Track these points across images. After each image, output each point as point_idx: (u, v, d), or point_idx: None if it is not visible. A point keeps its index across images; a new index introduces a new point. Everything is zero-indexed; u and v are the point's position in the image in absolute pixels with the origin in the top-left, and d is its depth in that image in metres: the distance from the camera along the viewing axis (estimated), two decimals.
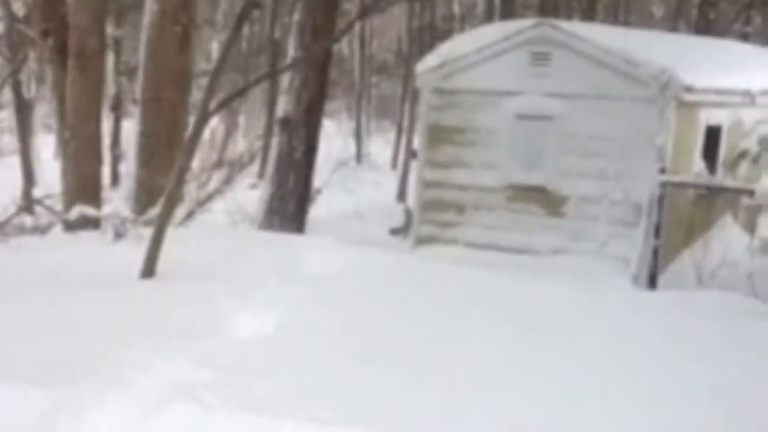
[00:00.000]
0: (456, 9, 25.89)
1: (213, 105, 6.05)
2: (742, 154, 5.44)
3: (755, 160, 5.46)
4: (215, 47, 23.76)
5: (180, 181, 6.03)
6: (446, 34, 24.65)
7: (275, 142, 10.40)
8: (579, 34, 8.60)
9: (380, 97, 32.82)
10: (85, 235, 7.63)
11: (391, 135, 28.03)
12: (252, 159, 10.60)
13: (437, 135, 9.48)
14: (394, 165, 24.19)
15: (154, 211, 9.04)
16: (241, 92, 6.85)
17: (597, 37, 8.57)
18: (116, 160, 18.64)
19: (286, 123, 10.24)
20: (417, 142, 9.93)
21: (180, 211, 9.20)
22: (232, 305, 5.12)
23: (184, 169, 5.95)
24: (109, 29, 18.92)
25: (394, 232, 11.97)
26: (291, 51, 10.38)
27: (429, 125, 9.58)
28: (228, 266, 6.11)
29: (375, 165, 24.08)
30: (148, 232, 6.77)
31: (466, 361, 4.47)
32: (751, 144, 8.91)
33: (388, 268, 6.43)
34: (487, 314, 5.39)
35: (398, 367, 4.32)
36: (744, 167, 8.78)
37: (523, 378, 4.30)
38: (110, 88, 19.18)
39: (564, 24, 9.03)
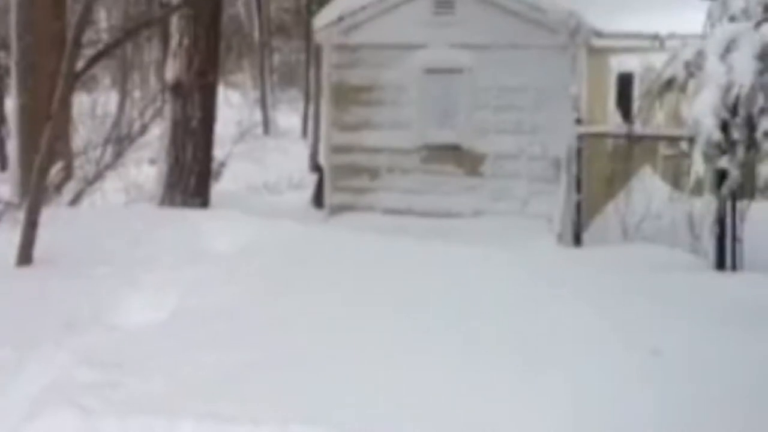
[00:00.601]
0: None
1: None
2: (669, 83, 5.14)
3: (683, 89, 5.17)
4: (102, 15, 22.42)
5: (49, 154, 5.38)
6: None
7: (168, 110, 9.61)
8: None
9: (285, 63, 31.84)
10: None
11: (300, 104, 27.33)
12: (144, 131, 9.75)
13: (342, 95, 8.95)
14: (304, 134, 23.54)
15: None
16: (107, 49, 6.15)
17: None
18: (2, 142, 17.35)
19: (177, 89, 9.44)
20: (322, 104, 9.40)
21: (68, 191, 8.48)
22: (119, 291, 4.55)
23: (52, 139, 5.27)
24: None
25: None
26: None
27: (333, 85, 9.04)
28: (117, 248, 5.49)
29: (284, 134, 23.35)
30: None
31: (373, 341, 4.01)
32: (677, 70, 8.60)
33: (294, 242, 5.92)
34: (397, 288, 4.92)
35: (306, 351, 3.86)
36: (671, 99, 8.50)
37: (433, 351, 3.90)
38: None
39: None
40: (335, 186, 9.12)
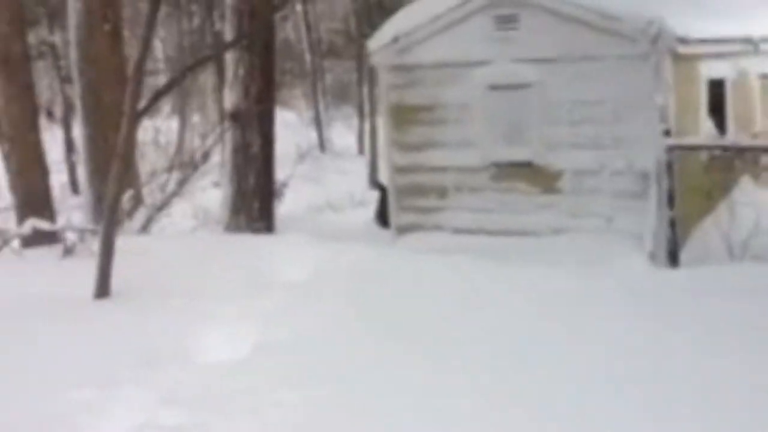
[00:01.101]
0: None
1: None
2: None
3: None
4: (158, 45, 22.85)
5: (119, 188, 5.35)
6: (397, 7, 23.96)
7: (228, 138, 9.64)
8: None
9: (337, 82, 32.00)
10: (32, 253, 6.92)
11: (354, 121, 27.35)
12: (206, 157, 9.80)
13: (402, 115, 8.80)
14: (360, 150, 23.55)
15: None
16: (168, 87, 6.13)
17: None
18: (73, 168, 17.85)
19: (236, 117, 9.51)
20: (382, 125, 9.27)
21: (138, 218, 8.55)
22: (198, 325, 4.46)
23: (121, 173, 5.26)
24: (44, 34, 18.02)
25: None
26: (228, 38, 9.63)
27: (391, 106, 8.90)
28: (191, 278, 5.44)
29: (339, 152, 23.36)
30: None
31: (465, 380, 3.78)
32: None
33: (368, 267, 5.79)
34: (489, 318, 4.73)
35: (398, 385, 3.69)
36: None
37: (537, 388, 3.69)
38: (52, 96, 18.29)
39: None
40: (401, 206, 8.97)
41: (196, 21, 22.42)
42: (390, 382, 3.72)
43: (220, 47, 8.86)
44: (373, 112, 18.89)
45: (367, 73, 23.58)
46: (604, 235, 7.76)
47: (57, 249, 6.93)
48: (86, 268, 5.47)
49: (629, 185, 7.71)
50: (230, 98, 9.47)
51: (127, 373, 3.79)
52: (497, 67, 8.22)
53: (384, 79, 8.86)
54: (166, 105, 25.88)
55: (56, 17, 17.50)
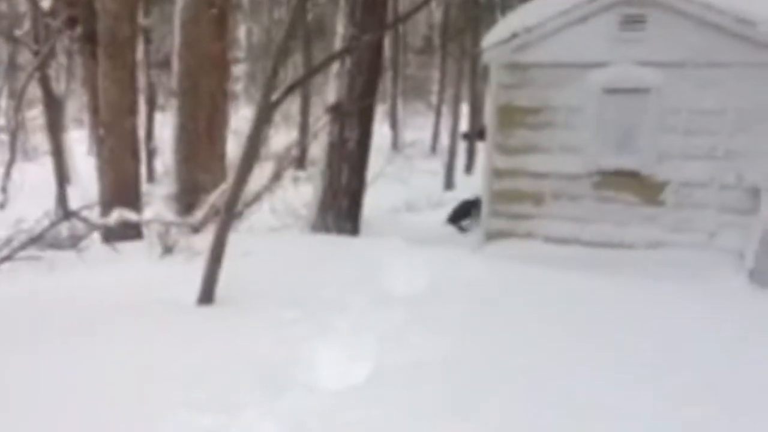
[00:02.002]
0: None
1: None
2: None
3: None
4: (242, 33, 22.82)
5: (241, 189, 5.04)
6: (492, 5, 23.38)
7: (326, 132, 9.33)
8: None
9: (411, 78, 31.59)
10: (128, 249, 6.67)
11: (425, 119, 26.91)
12: (304, 151, 9.50)
13: (509, 117, 8.36)
14: (433, 149, 23.13)
15: (200, 214, 8.16)
16: (301, 81, 5.77)
17: None
18: (151, 155, 17.82)
19: (338, 111, 9.18)
20: (487, 126, 8.82)
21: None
22: (314, 341, 4.13)
23: (244, 176, 4.94)
24: (138, 18, 18.02)
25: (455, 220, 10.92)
26: (340, 29, 9.28)
27: (499, 106, 8.45)
28: (298, 285, 5.12)
29: (415, 151, 22.99)
30: (198, 243, 5.81)
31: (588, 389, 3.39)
32: None
33: (482, 278, 5.40)
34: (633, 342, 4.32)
35: (540, 411, 3.29)
36: None
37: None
38: (141, 81, 18.35)
39: None
40: (493, 211, 8.54)
41: (287, 10, 22.28)
42: (520, 420, 3.32)
43: (345, 46, 8.49)
44: (455, 112, 18.45)
45: (448, 73, 23.27)
46: (705, 251, 7.28)
47: (150, 244, 6.67)
48: (186, 269, 5.21)
49: (737, 200, 7.20)
50: (334, 91, 9.16)
51: (246, 397, 3.48)
52: (616, 69, 7.72)
53: (495, 77, 8.42)
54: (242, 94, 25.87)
55: (153, 1, 17.47)
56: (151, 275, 5.51)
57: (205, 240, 5.55)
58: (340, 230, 9.04)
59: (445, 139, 21.95)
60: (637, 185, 7.64)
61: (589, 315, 4.84)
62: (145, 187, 11.56)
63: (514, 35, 8.16)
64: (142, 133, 17.95)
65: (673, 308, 5.11)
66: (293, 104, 23.62)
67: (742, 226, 7.09)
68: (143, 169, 17.60)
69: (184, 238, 6.02)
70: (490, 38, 8.49)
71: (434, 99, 25.80)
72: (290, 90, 5.11)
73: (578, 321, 4.66)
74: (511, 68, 8.30)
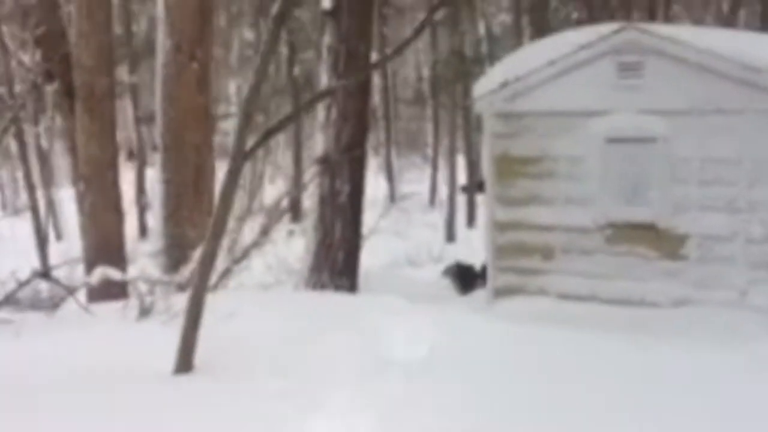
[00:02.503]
0: (482, 32, 24.59)
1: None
2: None
3: None
4: (232, 89, 22.72)
5: (217, 244, 4.63)
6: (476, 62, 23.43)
7: (316, 185, 8.97)
8: (677, 38, 7.10)
9: (404, 130, 31.47)
10: (104, 311, 6.24)
11: (421, 172, 26.70)
12: (293, 204, 9.11)
13: (507, 167, 8.01)
14: (431, 201, 22.85)
15: (187, 270, 7.77)
16: (280, 127, 5.40)
17: (700, 41, 7.09)
18: (143, 210, 17.52)
19: (326, 163, 8.84)
20: (484, 177, 8.48)
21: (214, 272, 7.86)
22: (302, 418, 3.66)
23: (221, 227, 4.54)
24: (125, 75, 17.90)
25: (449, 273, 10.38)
26: (324, 80, 8.99)
27: (496, 156, 8.10)
28: (287, 351, 4.67)
29: (413, 204, 22.66)
30: (180, 302, 5.38)
31: None
32: None
33: (491, 343, 4.95)
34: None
35: None
36: None
37: None
38: (128, 135, 18.15)
39: (655, 27, 7.54)
40: (500, 266, 8.11)
41: (273, 67, 22.19)
42: None
43: (321, 92, 8.21)
44: (452, 163, 18.20)
45: (440, 123, 23.14)
46: (736, 310, 6.81)
47: (129, 304, 6.24)
48: (165, 333, 4.77)
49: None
50: (321, 143, 8.83)
51: None
52: (618, 117, 7.40)
53: (489, 127, 8.09)
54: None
55: (139, 58, 17.40)
56: (125, 340, 5.05)
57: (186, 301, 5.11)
58: (337, 287, 8.61)
59: (443, 192, 21.70)
60: (654, 239, 7.20)
61: (619, 387, 4.37)
62: (132, 244, 11.13)
63: (505, 84, 7.87)
64: (131, 188, 17.67)
65: (717, 378, 4.62)
66: (286, 155, 23.43)
67: None
68: (135, 225, 17.32)
69: (163, 298, 5.57)
70: (480, 88, 8.21)
71: (430, 151, 25.64)
72: (266, 137, 4.77)
73: (609, 397, 4.17)
74: (504, 117, 7.99)
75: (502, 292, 8.03)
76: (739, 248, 6.86)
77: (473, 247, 13.69)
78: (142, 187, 17.81)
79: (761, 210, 6.73)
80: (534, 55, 7.98)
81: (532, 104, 7.82)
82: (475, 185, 20.35)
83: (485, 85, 8.17)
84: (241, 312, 5.29)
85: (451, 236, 16.72)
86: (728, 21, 16.91)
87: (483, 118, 8.30)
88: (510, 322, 5.87)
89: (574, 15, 18.38)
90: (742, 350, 5.80)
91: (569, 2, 18.44)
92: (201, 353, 4.51)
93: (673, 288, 7.13)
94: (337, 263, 8.82)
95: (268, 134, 4.81)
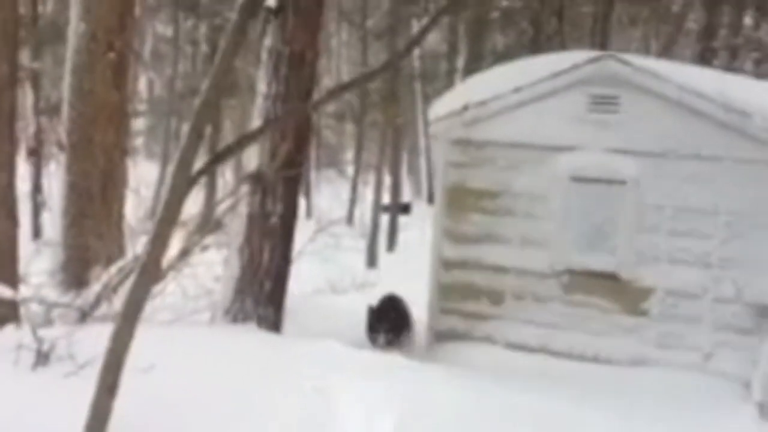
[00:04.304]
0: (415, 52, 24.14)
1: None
2: None
3: None
4: (143, 85, 21.40)
5: (153, 275, 3.73)
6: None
7: (245, 203, 8.00)
8: (657, 72, 6.57)
9: (323, 145, 30.65)
10: None
11: (334, 187, 25.97)
12: (218, 224, 8.13)
13: (460, 199, 7.33)
14: (348, 220, 22.06)
15: (91, 293, 6.80)
16: (237, 148, 4.45)
17: (682, 77, 6.60)
18: (37, 210, 15.97)
19: (259, 180, 7.88)
20: (434, 208, 7.76)
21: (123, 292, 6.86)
22: None
23: (160, 252, 3.63)
24: (25, 60, 16.32)
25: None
26: (262, 87, 8.03)
27: (449, 187, 7.41)
28: (216, 418, 3.75)
29: (326, 221, 21.78)
30: (86, 341, 4.42)
31: None
32: None
33: (465, 408, 4.19)
34: None
35: None
36: None
37: None
38: (26, 127, 16.55)
39: (633, 58, 7.00)
40: (443, 308, 7.42)
41: (188, 65, 21.01)
42: None
43: (277, 117, 7.31)
44: (378, 183, 17.48)
45: (364, 140, 22.49)
46: (700, 374, 6.32)
47: (18, 347, 5.09)
48: (68, 391, 3.78)
49: (737, 317, 6.29)
50: (254, 156, 7.87)
51: None
52: (586, 155, 6.83)
53: (443, 154, 7.39)
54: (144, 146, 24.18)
55: (46, 42, 15.90)
56: (14, 397, 4.00)
57: (95, 337, 4.15)
58: (261, 318, 7.66)
59: (361, 211, 20.96)
60: (615, 290, 6.65)
61: None
62: (27, 248, 9.74)
63: (465, 108, 7.20)
64: (26, 186, 16.08)
65: None
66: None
67: (744, 349, 6.13)
68: (28, 226, 15.70)
69: (64, 337, 4.53)
70: (437, 110, 7.50)
71: (350, 168, 24.97)
72: (216, 161, 3.91)
73: None
74: (462, 145, 7.31)
75: (444, 336, 7.33)
76: (707, 307, 6.37)
77: (394, 274, 13.00)
78: (38, 185, 16.25)
79: (734, 267, 6.25)
80: (499, 79, 7.33)
81: (493, 133, 7.16)
82: (399, 207, 19.75)
83: (443, 107, 7.46)
84: (162, 363, 4.33)
85: (372, 261, 15.97)
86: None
87: (438, 143, 7.59)
88: (453, 376, 5.14)
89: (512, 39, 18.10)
90: (706, 417, 5.33)
91: (508, 27, 18.14)
92: (116, 418, 3.56)
93: (631, 345, 6.58)
94: (263, 291, 7.85)
95: (216, 160, 3.94)
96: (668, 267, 6.47)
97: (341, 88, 9.44)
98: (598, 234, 6.77)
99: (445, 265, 7.41)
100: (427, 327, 7.49)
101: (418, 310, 7.92)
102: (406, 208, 18.38)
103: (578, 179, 6.85)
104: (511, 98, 7.06)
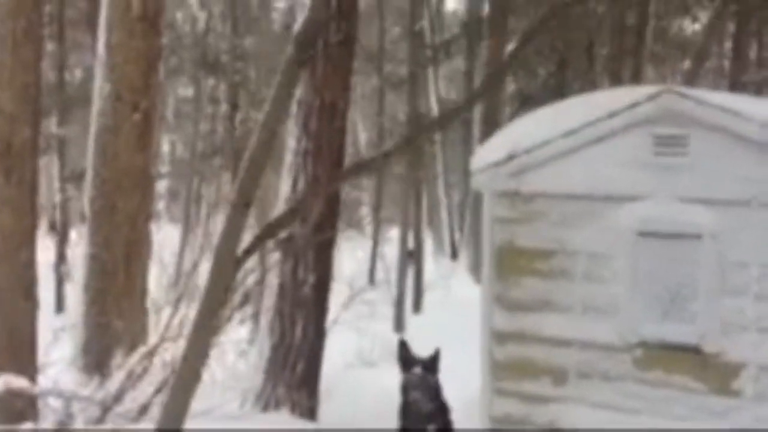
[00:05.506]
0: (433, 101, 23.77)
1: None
2: None
3: None
4: (166, 148, 21.12)
5: (197, 371, 3.07)
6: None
7: (274, 273, 7.35)
8: (730, 108, 5.77)
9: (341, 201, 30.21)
10: None
11: (353, 244, 25.36)
12: (246, 301, 7.42)
13: (511, 261, 6.57)
14: (371, 280, 21.33)
15: (113, 383, 6.22)
16: (278, 225, 3.77)
17: (760, 112, 5.82)
18: (61, 281, 15.40)
19: (290, 246, 7.24)
20: (483, 271, 7.02)
21: (149, 381, 6.32)
22: None
23: (206, 344, 2.95)
24: (52, 127, 15.92)
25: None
26: (291, 142, 7.48)
27: (497, 246, 6.62)
28: None
29: (351, 284, 21.05)
30: None
31: None
32: None
33: None
34: None
35: None
36: None
37: None
38: (52, 199, 16.06)
39: (699, 93, 6.20)
40: (498, 389, 6.56)
41: (209, 124, 20.70)
42: None
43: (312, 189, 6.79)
44: (404, 238, 16.82)
45: (383, 195, 21.95)
46: None
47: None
48: None
49: None
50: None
51: None
52: (654, 206, 6.04)
53: (489, 209, 6.65)
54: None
55: (71, 109, 15.55)
56: None
57: None
58: (294, 404, 6.96)
59: (382, 269, 20.22)
60: (699, 366, 5.80)
61: None
62: (49, 322, 8.99)
63: (510, 157, 6.48)
64: (47, 255, 15.46)
65: None
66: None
67: None
68: (51, 299, 14.95)
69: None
70: (479, 159, 6.76)
71: (369, 224, 24.42)
72: (262, 240, 3.28)
73: None
74: (509, 198, 6.56)
75: (500, 422, 6.49)
76: None
77: (424, 339, 12.21)
78: (63, 254, 15.62)
79: None
80: (546, 121, 6.62)
81: (543, 184, 6.41)
82: (408, 254, 18.95)
83: (485, 156, 6.73)
84: None
85: (399, 326, 15.18)
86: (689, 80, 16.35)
87: (483, 196, 6.87)
88: None
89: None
90: None
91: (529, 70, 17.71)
92: None
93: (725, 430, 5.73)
94: (295, 372, 7.16)
95: (264, 236, 3.31)
96: (757, 337, 5.66)
97: (362, 166, 8.96)
98: (674, 298, 5.98)
99: (498, 337, 6.63)
100: (480, 413, 6.64)
101: (456, 388, 6.96)
102: (411, 254, 17.82)
103: (646, 234, 6.07)
104: (562, 143, 6.32)
